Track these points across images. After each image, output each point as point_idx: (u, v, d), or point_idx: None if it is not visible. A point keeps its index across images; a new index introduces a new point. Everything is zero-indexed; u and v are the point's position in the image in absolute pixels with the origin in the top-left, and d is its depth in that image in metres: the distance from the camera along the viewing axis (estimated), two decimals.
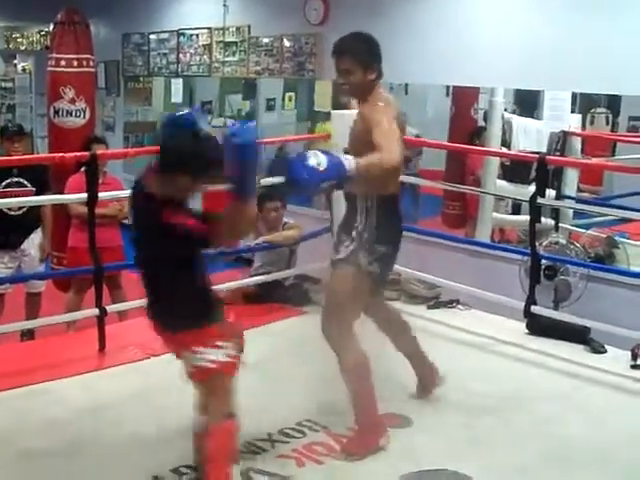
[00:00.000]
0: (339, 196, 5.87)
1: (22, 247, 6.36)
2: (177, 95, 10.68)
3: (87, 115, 6.96)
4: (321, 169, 3.16)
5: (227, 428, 3.20)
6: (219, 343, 3.11)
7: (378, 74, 3.73)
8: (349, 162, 3.26)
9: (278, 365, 4.71)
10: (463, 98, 8.07)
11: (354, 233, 3.75)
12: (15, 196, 5.98)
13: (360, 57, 3.66)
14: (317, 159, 3.17)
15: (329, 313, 3.81)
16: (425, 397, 4.33)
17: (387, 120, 3.54)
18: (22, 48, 14.11)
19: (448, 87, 8.20)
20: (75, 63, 6.89)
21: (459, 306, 5.95)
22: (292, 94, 10.26)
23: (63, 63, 6.89)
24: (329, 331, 3.78)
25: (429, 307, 5.93)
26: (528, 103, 7.34)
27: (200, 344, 3.09)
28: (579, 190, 7.27)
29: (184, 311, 3.07)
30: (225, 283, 5.80)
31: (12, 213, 6.16)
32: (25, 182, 6.19)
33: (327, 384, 4.38)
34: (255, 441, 3.80)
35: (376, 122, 3.53)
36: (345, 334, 3.74)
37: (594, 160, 7.04)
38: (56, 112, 6.89)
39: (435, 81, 7.74)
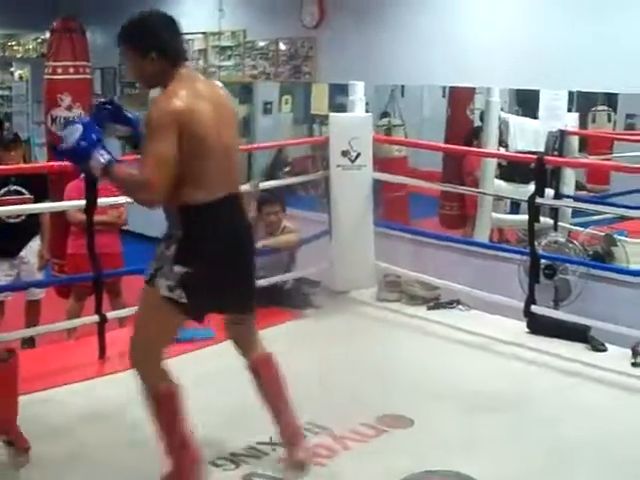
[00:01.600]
0: (339, 198, 5.93)
1: (21, 255, 6.32)
2: None
3: None
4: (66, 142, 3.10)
5: None
6: None
7: (165, 59, 3.15)
8: (102, 158, 3.07)
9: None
10: (459, 99, 8.07)
11: (159, 249, 3.23)
12: (13, 204, 5.96)
13: (134, 43, 3.18)
14: (72, 132, 3.09)
15: (132, 336, 3.34)
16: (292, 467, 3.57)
17: (161, 132, 2.99)
18: (18, 56, 14.14)
19: (444, 88, 8.21)
20: (72, 70, 6.87)
21: (459, 307, 5.94)
22: (288, 97, 10.26)
23: (60, 70, 6.88)
24: (131, 355, 3.34)
25: (429, 308, 5.92)
26: (529, 103, 7.33)
27: None
28: (585, 189, 7.29)
29: None
30: None
31: (10, 221, 6.13)
32: (23, 190, 6.16)
33: (327, 385, 4.40)
34: (256, 445, 3.79)
35: (147, 132, 3.05)
36: (146, 360, 3.29)
37: (591, 159, 7.04)
38: (53, 120, 6.88)
39: (431, 82, 7.75)
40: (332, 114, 6.34)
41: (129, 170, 3.11)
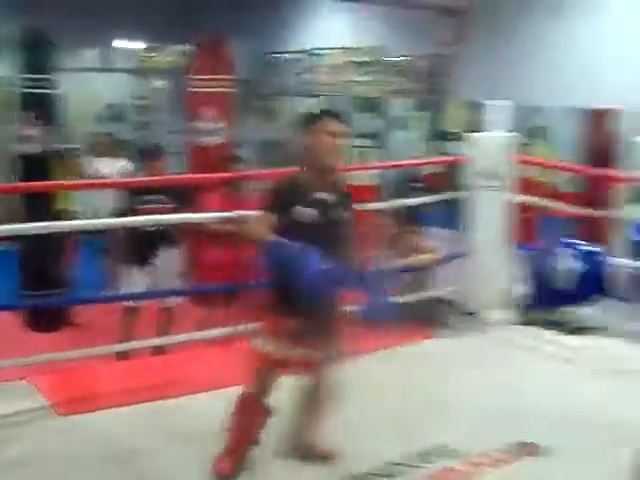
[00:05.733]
0: (476, 219, 5.86)
1: (157, 262, 6.40)
2: None
3: (225, 134, 7.07)
4: None
5: None
6: None
7: None
8: None
9: (414, 388, 4.70)
10: (599, 120, 7.88)
11: None
12: (152, 212, 5.98)
13: None
14: None
15: None
16: None
17: None
18: (157, 67, 14.54)
19: (582, 109, 8.03)
20: (215, 84, 7.03)
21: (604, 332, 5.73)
22: (421, 113, 10.26)
23: (203, 84, 7.05)
24: None
25: (569, 332, 5.75)
26: None
27: None
28: None
29: None
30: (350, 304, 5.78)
31: (149, 229, 6.16)
32: (164, 198, 6.18)
33: (459, 407, 4.37)
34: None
35: None
36: None
37: None
38: (195, 131, 7.06)
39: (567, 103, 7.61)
40: (470, 134, 6.16)
41: None
